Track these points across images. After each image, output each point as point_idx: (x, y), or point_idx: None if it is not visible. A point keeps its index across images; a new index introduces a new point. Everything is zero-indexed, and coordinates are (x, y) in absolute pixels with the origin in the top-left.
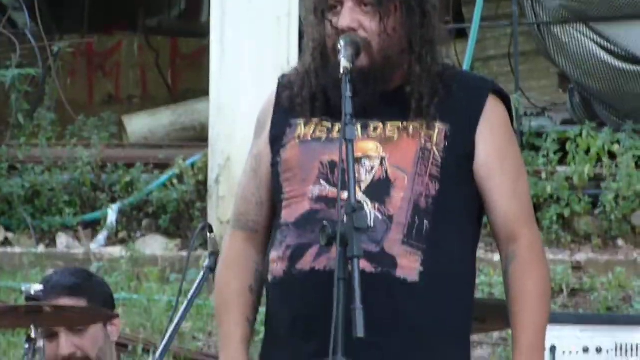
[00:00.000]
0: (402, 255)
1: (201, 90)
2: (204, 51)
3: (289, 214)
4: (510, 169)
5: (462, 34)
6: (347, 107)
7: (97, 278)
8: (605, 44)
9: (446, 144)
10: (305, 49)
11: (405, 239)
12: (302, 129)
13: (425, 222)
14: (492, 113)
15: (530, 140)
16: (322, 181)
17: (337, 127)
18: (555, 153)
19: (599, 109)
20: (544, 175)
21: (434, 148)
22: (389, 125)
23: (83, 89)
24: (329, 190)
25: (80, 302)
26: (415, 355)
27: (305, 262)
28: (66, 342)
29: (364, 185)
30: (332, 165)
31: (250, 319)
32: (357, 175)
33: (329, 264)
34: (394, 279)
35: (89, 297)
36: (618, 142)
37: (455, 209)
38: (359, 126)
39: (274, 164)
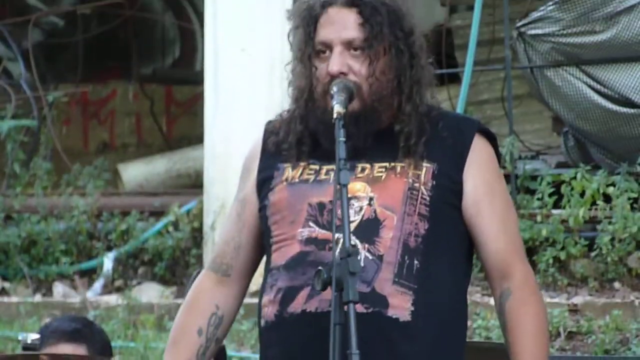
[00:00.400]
0: (393, 295)
1: (196, 137)
2: (199, 98)
3: (279, 257)
4: (499, 206)
5: (455, 78)
6: (341, 152)
7: (96, 325)
8: (598, 86)
9: (434, 182)
10: (289, 96)
11: (396, 279)
12: (290, 172)
13: (415, 261)
14: (479, 151)
15: (524, 184)
16: (311, 223)
17: (325, 169)
18: (550, 196)
19: (594, 152)
20: (539, 218)
21: (422, 187)
22: (376, 166)
23: (78, 137)
24: (319, 232)
25: (80, 348)
26: None
27: (297, 305)
28: None
29: (352, 226)
30: (321, 206)
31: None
32: (348, 214)
33: (320, 305)
34: (386, 319)
35: (88, 343)
36: (613, 184)
37: (445, 247)
38: (350, 169)
39: (262, 208)
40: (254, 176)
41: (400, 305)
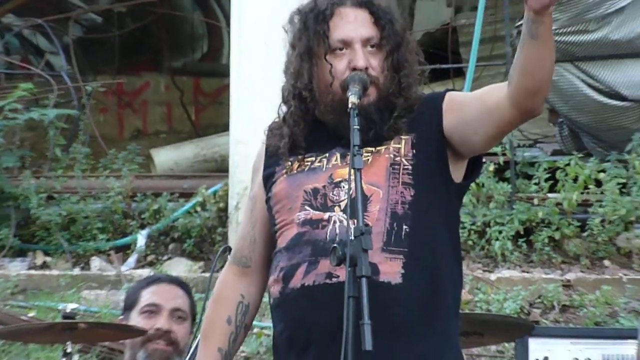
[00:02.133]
0: (382, 262)
1: (222, 125)
2: (225, 90)
3: (281, 241)
4: (473, 94)
5: (460, 73)
6: (355, 138)
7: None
8: (591, 81)
9: (414, 151)
10: (284, 94)
11: (385, 247)
12: (289, 165)
13: (405, 226)
14: (449, 97)
15: (523, 170)
16: (306, 207)
17: (319, 158)
18: (546, 181)
19: (586, 141)
20: (535, 202)
21: (403, 159)
22: (362, 151)
23: (114, 124)
24: (313, 214)
25: (180, 291)
26: (402, 354)
27: (296, 281)
28: (167, 320)
29: (342, 205)
30: (315, 191)
31: (222, 347)
32: (337, 197)
33: (317, 278)
34: (378, 284)
35: (190, 299)
36: (604, 170)
37: (433, 210)
38: (338, 155)
39: (267, 200)
40: (261, 175)
41: (391, 270)
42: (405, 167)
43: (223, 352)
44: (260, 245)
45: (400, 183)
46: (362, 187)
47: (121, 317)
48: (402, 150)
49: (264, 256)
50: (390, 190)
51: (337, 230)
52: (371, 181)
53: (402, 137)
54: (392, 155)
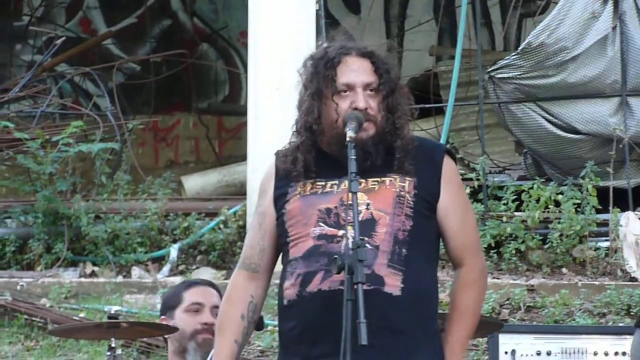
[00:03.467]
0: (387, 276)
1: (240, 156)
2: (243, 126)
3: (296, 251)
4: (460, 213)
5: (440, 111)
6: (352, 167)
7: None
8: (551, 118)
9: (415, 192)
10: (297, 127)
11: (390, 263)
12: (301, 187)
13: (403, 250)
14: (448, 169)
15: (493, 192)
16: (321, 223)
17: (329, 184)
18: (513, 202)
19: (546, 168)
20: (504, 219)
21: (407, 195)
22: (370, 180)
23: (150, 156)
24: (327, 230)
25: (219, 296)
26: (400, 353)
27: (314, 285)
28: (209, 315)
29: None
30: (328, 211)
31: (238, 340)
32: (349, 218)
33: (332, 285)
34: (383, 294)
35: (221, 295)
36: (561, 193)
37: (423, 239)
38: (346, 182)
39: (280, 216)
40: (271, 194)
41: (393, 284)
42: (408, 202)
43: (238, 344)
44: (268, 254)
45: (403, 214)
46: (371, 211)
47: (163, 316)
48: (407, 188)
49: (271, 263)
50: (395, 217)
51: (349, 246)
52: (379, 208)
53: (407, 178)
54: (398, 190)
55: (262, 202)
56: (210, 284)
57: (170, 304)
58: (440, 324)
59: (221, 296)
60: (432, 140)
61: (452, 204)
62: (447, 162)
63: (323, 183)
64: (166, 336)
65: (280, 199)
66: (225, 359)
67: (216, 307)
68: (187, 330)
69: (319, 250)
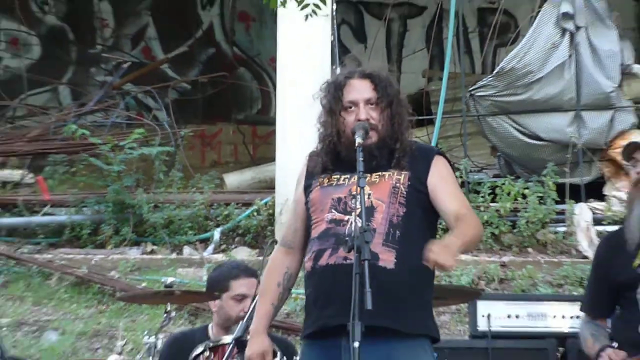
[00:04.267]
0: (382, 252)
1: (270, 158)
2: (272, 134)
3: (314, 232)
4: (450, 187)
5: (431, 122)
6: (360, 166)
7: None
8: (519, 128)
9: (409, 183)
10: (319, 137)
11: (384, 242)
12: (321, 180)
13: (397, 232)
14: (436, 163)
15: (473, 187)
16: (333, 210)
17: (342, 177)
18: (489, 195)
19: (516, 168)
20: (482, 209)
21: (401, 186)
22: (372, 175)
23: (198, 158)
24: (337, 215)
25: (254, 281)
26: (393, 316)
27: (323, 260)
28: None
29: (358, 211)
30: (339, 200)
31: (274, 303)
32: (353, 205)
33: (337, 260)
34: (378, 267)
35: (257, 278)
36: (527, 188)
37: (416, 223)
38: (355, 177)
39: (306, 203)
40: (302, 186)
41: (387, 259)
42: (402, 193)
43: (274, 306)
44: (300, 234)
45: (397, 202)
46: (371, 200)
47: (217, 294)
48: (401, 180)
49: (303, 241)
50: (390, 205)
51: (352, 228)
52: (378, 197)
53: (403, 172)
54: (394, 182)
55: (296, 192)
56: (252, 273)
57: (219, 287)
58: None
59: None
60: (429, 145)
61: (440, 180)
62: (437, 158)
63: (338, 177)
64: (214, 310)
65: (307, 189)
66: (263, 318)
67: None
68: (232, 314)
69: (330, 232)
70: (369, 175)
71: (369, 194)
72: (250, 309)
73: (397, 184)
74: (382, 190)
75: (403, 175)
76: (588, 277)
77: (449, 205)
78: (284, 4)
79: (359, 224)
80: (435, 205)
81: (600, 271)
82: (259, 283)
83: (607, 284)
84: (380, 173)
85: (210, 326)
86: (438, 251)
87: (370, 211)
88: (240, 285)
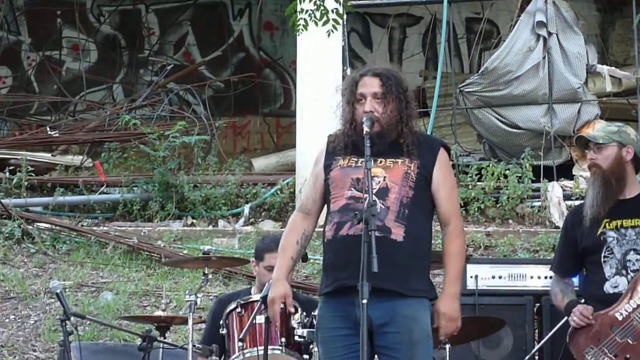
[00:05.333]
0: (394, 227)
1: (291, 145)
2: (293, 125)
3: (335, 206)
4: (448, 188)
5: (427, 114)
6: (367, 151)
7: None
8: (501, 118)
9: (417, 170)
10: (340, 122)
11: (396, 219)
12: (341, 161)
13: (406, 210)
14: (441, 157)
15: (463, 169)
16: (352, 188)
17: (360, 160)
18: (475, 175)
19: (498, 152)
20: (470, 187)
21: (412, 172)
22: (388, 160)
23: (231, 145)
24: (355, 193)
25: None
26: (398, 280)
27: (344, 231)
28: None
29: (374, 191)
30: (357, 180)
31: (293, 257)
32: (372, 185)
33: (356, 231)
34: (390, 240)
35: None
36: (508, 169)
37: (422, 204)
38: (372, 161)
39: (326, 179)
40: (322, 163)
41: (398, 233)
42: (412, 178)
43: (293, 260)
44: (318, 204)
45: (407, 185)
46: (386, 182)
47: (253, 261)
48: (412, 168)
49: (319, 210)
50: (402, 188)
51: (366, 205)
52: (392, 180)
53: (413, 160)
54: (406, 168)
55: (315, 168)
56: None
57: (258, 256)
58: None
59: None
60: (433, 137)
61: (443, 181)
62: (442, 152)
63: (356, 159)
64: (255, 275)
65: (327, 167)
66: (283, 268)
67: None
68: (264, 281)
69: (349, 207)
70: (383, 160)
71: (385, 177)
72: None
73: (409, 171)
74: (396, 175)
75: (413, 164)
76: (558, 241)
77: (443, 207)
78: (305, 27)
79: (374, 200)
80: (434, 198)
81: (568, 236)
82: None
83: (574, 248)
84: (394, 159)
85: (252, 289)
86: (446, 326)
87: (385, 192)
88: (272, 258)
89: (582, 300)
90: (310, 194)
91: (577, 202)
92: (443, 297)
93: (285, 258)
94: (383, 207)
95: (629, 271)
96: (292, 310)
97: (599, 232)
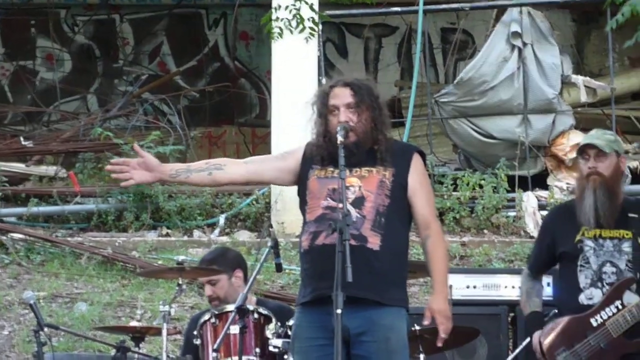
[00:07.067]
0: (370, 236)
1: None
2: (269, 134)
3: (311, 216)
4: (425, 192)
5: (402, 124)
6: (341, 160)
7: (231, 251)
8: (476, 128)
9: (392, 178)
10: (312, 134)
11: (372, 228)
12: (318, 172)
13: (382, 219)
14: (416, 163)
15: (438, 179)
16: (328, 198)
17: (336, 171)
18: (451, 185)
19: (474, 162)
20: (445, 197)
21: (387, 181)
22: (363, 169)
23: (206, 155)
24: (332, 203)
25: (213, 266)
26: (376, 289)
27: (320, 240)
28: (208, 289)
29: (350, 200)
30: (333, 190)
31: (190, 167)
32: (347, 195)
33: (332, 241)
34: (367, 249)
35: (218, 265)
36: (484, 179)
37: (398, 212)
38: (348, 171)
39: (303, 189)
40: (299, 157)
41: (374, 242)
42: (387, 186)
43: (184, 168)
44: (263, 166)
45: (383, 194)
46: (362, 191)
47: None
48: (387, 176)
49: (255, 171)
50: (377, 196)
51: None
52: (367, 189)
53: (388, 168)
54: (381, 177)
55: (289, 152)
56: (204, 262)
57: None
58: (412, 270)
59: (219, 264)
60: (408, 144)
61: (419, 186)
62: (416, 157)
63: (332, 170)
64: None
65: (303, 176)
66: (174, 165)
67: (210, 280)
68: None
69: (326, 217)
70: (359, 169)
71: (360, 186)
72: (250, 282)
73: (384, 179)
74: (371, 183)
75: (388, 172)
76: (536, 238)
77: (421, 210)
78: (281, 35)
79: (351, 211)
80: (411, 204)
81: (545, 235)
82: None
83: (551, 250)
84: (369, 168)
85: None
86: (444, 323)
87: (361, 201)
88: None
89: (556, 310)
90: (267, 158)
91: None
92: (436, 296)
93: (184, 164)
94: (359, 216)
95: (604, 284)
96: (142, 158)
97: (576, 239)
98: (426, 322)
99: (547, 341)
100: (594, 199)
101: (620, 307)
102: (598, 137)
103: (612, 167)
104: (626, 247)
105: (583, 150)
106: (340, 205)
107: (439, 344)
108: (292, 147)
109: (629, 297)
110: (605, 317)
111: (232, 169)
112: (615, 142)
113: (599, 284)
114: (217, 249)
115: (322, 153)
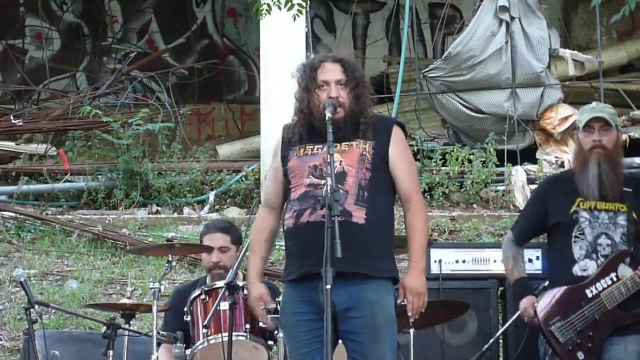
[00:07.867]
0: (354, 210)
1: (256, 132)
2: (258, 111)
3: (294, 194)
4: (406, 164)
5: (391, 100)
6: (330, 137)
7: (235, 226)
8: (464, 103)
9: (373, 152)
10: (294, 110)
11: (356, 202)
12: (297, 150)
13: (365, 193)
14: (395, 135)
15: (427, 154)
16: (311, 176)
17: (316, 147)
18: (440, 160)
19: (462, 137)
20: (434, 172)
21: (367, 154)
22: (343, 144)
23: (195, 132)
24: (314, 180)
25: (226, 237)
26: (364, 263)
27: (304, 218)
28: (216, 256)
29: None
30: (315, 167)
31: (263, 256)
32: (328, 171)
33: (316, 218)
34: (352, 223)
35: (231, 235)
36: (473, 154)
37: (380, 185)
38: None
39: (285, 170)
40: (280, 155)
41: (359, 216)
42: (368, 159)
43: (263, 259)
44: (281, 196)
45: (364, 167)
46: (343, 166)
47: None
48: (367, 149)
49: (283, 202)
50: (358, 171)
51: (328, 191)
52: (348, 163)
53: (368, 141)
54: (361, 150)
55: (274, 161)
56: (219, 227)
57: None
58: (400, 245)
59: (230, 234)
60: (387, 116)
61: (400, 158)
62: (396, 129)
63: (312, 147)
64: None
65: (285, 158)
66: (254, 269)
67: (222, 247)
68: (204, 264)
69: (309, 194)
70: (338, 144)
71: (341, 161)
72: (239, 258)
73: (364, 152)
74: (352, 158)
75: (368, 145)
76: (525, 205)
77: (403, 183)
78: (269, 11)
79: (339, 187)
80: (393, 176)
81: (536, 204)
82: (230, 235)
83: (541, 218)
84: (348, 142)
85: (208, 277)
86: (413, 301)
87: (342, 176)
88: (207, 240)
89: (547, 283)
90: (273, 188)
91: None
92: (409, 273)
93: (256, 259)
94: (342, 191)
95: (599, 255)
96: (273, 306)
97: (572, 210)
98: (400, 301)
99: (542, 310)
100: (599, 171)
101: (615, 279)
102: (601, 110)
103: (614, 140)
104: (621, 220)
105: (587, 123)
106: (323, 181)
107: (411, 320)
108: (273, 150)
109: (623, 270)
110: (600, 288)
111: (276, 224)
112: (615, 115)
113: (594, 256)
114: (226, 220)
115: (300, 131)
